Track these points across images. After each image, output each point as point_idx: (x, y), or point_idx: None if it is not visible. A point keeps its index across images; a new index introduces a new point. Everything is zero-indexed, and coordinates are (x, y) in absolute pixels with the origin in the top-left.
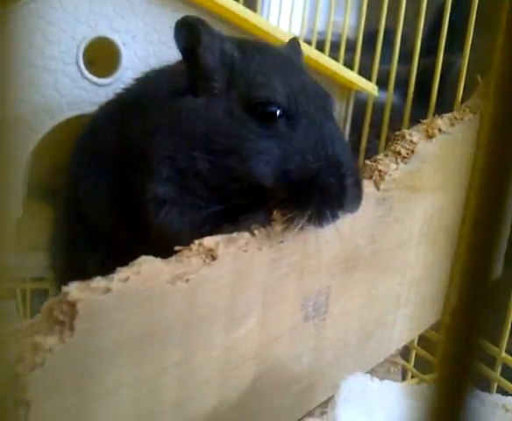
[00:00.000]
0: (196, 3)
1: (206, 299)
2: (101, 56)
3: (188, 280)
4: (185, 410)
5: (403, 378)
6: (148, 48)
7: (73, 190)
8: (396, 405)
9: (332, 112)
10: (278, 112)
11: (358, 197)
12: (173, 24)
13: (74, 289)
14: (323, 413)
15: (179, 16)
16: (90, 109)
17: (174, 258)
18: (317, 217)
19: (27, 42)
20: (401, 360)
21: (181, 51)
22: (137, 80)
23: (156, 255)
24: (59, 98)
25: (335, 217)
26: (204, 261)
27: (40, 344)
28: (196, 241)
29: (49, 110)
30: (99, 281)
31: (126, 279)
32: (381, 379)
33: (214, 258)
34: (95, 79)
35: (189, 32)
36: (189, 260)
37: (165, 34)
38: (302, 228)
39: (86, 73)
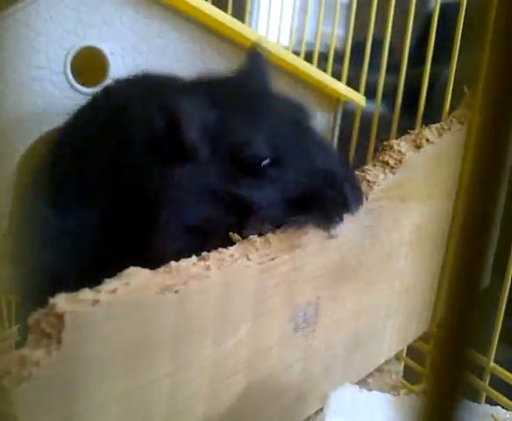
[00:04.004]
0: (186, 14)
1: (195, 311)
2: (89, 66)
3: (177, 291)
4: None
5: None
6: (136, 58)
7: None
8: (385, 416)
9: (308, 122)
10: (265, 163)
11: (359, 198)
12: (161, 35)
13: (61, 301)
14: None
15: (167, 26)
16: None
17: (162, 269)
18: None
19: (14, 52)
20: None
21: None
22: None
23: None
24: (46, 108)
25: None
26: (194, 273)
27: (27, 357)
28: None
29: (36, 119)
30: (87, 293)
31: (114, 290)
32: None
33: (204, 270)
34: (82, 89)
35: (169, 120)
36: (178, 272)
37: (153, 44)
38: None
39: (73, 82)
